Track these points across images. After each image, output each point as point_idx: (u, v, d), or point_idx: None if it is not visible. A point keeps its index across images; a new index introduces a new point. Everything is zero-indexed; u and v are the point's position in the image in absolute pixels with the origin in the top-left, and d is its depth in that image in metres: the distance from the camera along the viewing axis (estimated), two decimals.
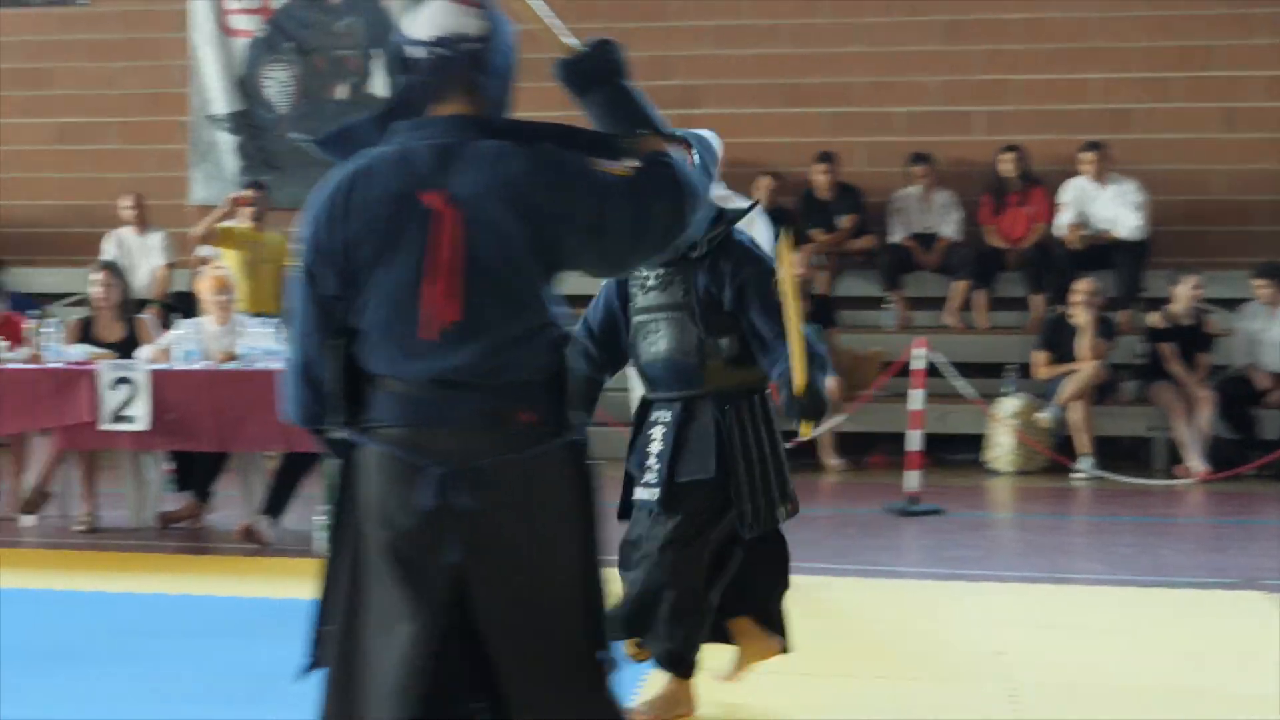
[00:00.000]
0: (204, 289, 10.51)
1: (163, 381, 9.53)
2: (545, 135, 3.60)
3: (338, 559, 3.66)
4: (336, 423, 3.64)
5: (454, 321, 3.50)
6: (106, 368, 9.59)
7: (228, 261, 12.73)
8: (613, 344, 5.88)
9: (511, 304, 3.54)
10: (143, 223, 14.89)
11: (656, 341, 5.70)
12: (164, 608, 8.00)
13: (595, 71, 3.69)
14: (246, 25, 15.97)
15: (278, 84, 15.93)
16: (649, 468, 5.67)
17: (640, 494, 5.70)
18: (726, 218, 5.69)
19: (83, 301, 13.11)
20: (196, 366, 9.77)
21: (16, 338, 10.41)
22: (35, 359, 9.98)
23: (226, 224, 13.23)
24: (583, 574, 3.63)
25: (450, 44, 3.59)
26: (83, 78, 16.30)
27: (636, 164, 3.61)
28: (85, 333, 10.66)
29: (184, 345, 9.95)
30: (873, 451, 13.55)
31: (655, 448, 5.68)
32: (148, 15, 16.15)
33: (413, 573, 3.53)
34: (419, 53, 3.62)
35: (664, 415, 5.71)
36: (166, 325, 11.62)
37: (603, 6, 14.11)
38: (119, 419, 9.49)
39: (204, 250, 13.42)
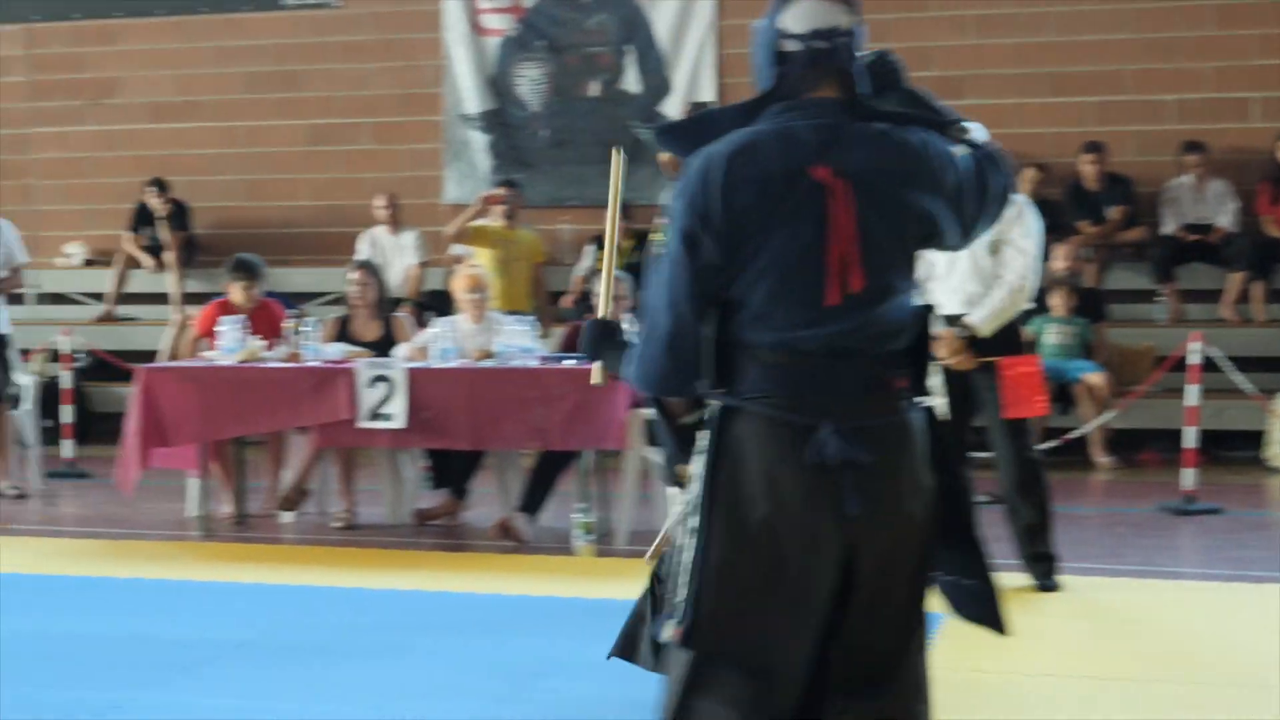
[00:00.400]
0: (458, 287, 10.54)
1: (419, 380, 9.52)
2: (909, 119, 3.79)
3: (710, 530, 3.67)
4: (704, 391, 3.73)
5: (857, 290, 3.64)
6: (364, 366, 9.61)
7: (481, 260, 12.78)
8: None
9: (894, 274, 3.72)
10: (396, 222, 15.00)
11: None
12: (421, 604, 7.99)
13: (883, 78, 3.87)
14: (498, 24, 16.01)
15: (530, 82, 15.95)
16: None
17: None
18: None
19: (338, 300, 13.24)
20: (453, 365, 9.73)
21: (274, 326, 10.54)
22: (294, 358, 10.04)
23: (479, 222, 13.33)
24: (930, 534, 3.79)
25: (827, 36, 3.73)
26: (335, 79, 16.45)
27: (963, 147, 3.83)
28: (342, 331, 10.70)
29: (440, 343, 9.93)
30: (1144, 449, 13.18)
31: None
32: (400, 16, 16.27)
33: (808, 536, 3.63)
34: (795, 46, 3.75)
35: None
36: (421, 324, 11.64)
37: None
38: (376, 417, 9.51)
39: (457, 249, 13.54)
